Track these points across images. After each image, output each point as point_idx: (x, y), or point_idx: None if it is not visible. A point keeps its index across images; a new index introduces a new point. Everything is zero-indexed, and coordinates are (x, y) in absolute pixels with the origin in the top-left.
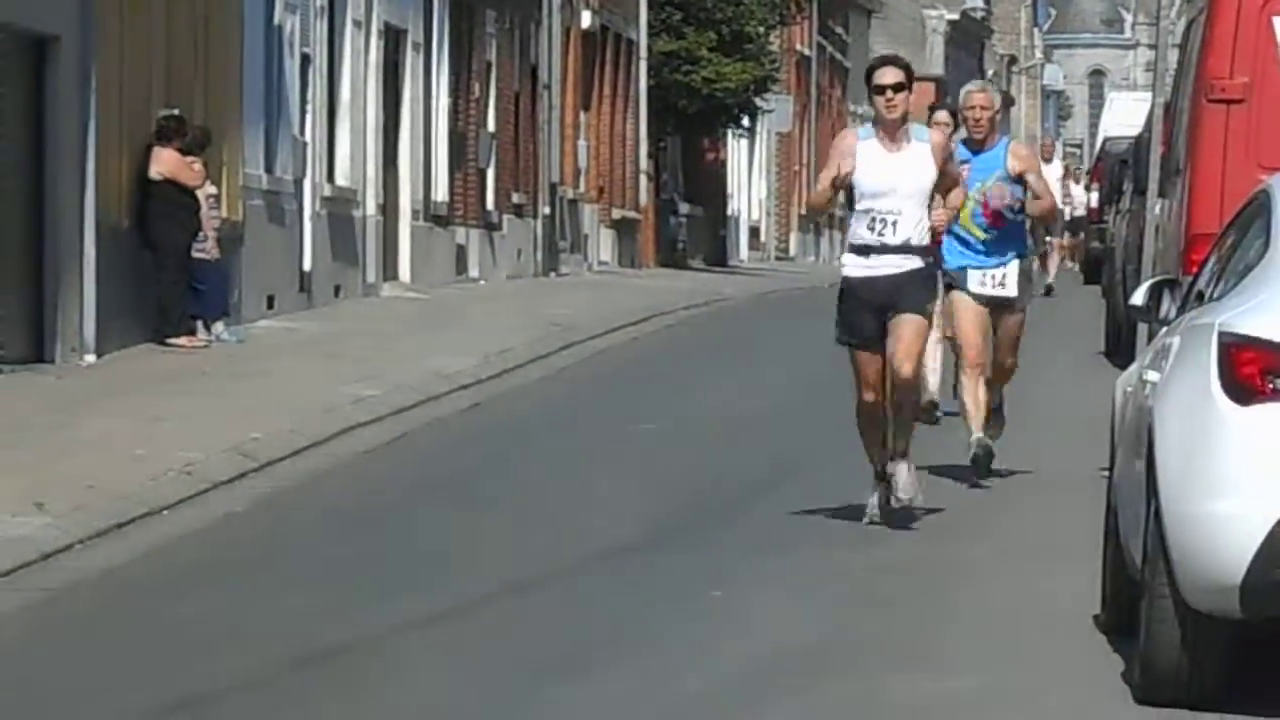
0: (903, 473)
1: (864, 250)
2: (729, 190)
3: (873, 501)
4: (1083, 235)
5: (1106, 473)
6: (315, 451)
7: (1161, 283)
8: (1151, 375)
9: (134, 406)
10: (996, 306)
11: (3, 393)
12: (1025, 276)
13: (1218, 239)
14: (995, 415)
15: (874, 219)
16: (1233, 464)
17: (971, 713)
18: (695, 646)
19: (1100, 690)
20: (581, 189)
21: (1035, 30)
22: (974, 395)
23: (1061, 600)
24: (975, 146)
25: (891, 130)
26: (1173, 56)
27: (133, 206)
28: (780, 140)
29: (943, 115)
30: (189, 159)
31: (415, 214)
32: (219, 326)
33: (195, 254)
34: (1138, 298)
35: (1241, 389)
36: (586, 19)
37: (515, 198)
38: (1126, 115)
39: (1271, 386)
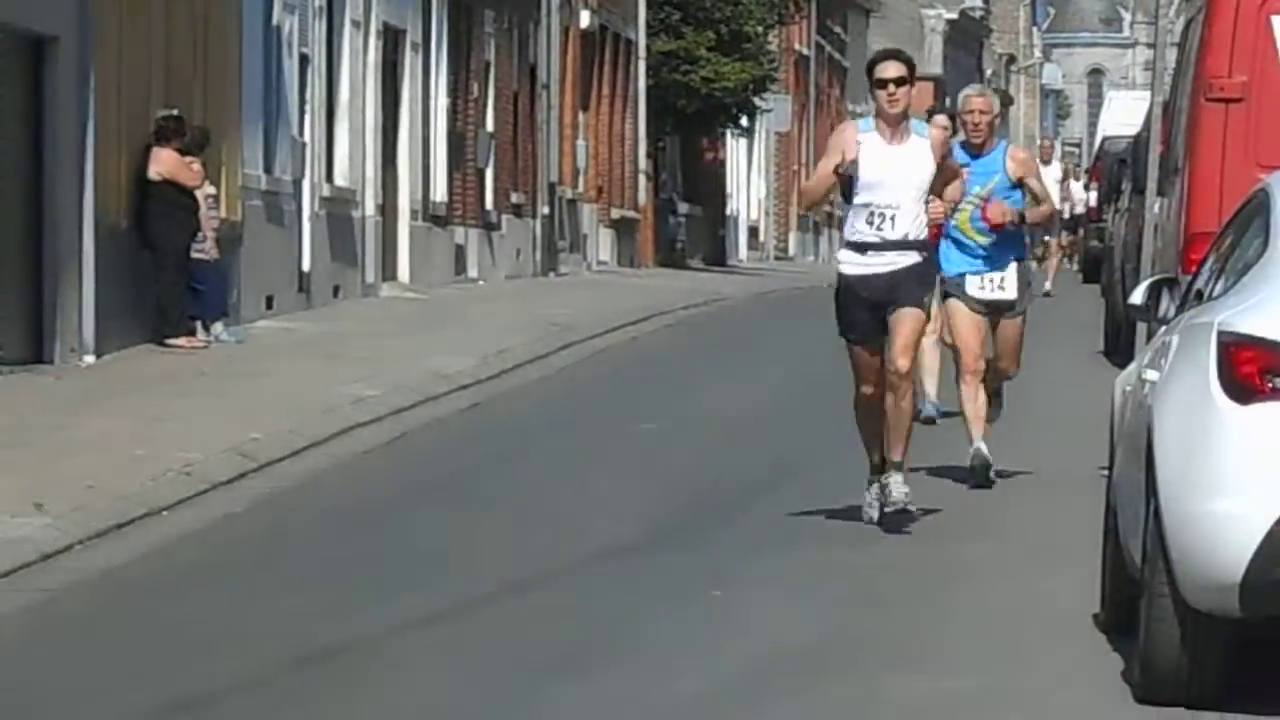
0: (896, 482)
1: (861, 247)
2: (728, 190)
3: (869, 498)
4: (1082, 233)
5: (1106, 472)
6: (314, 452)
7: (1160, 281)
8: (1151, 374)
9: (133, 407)
10: (995, 311)
11: (2, 393)
12: (1025, 280)
13: (1216, 238)
14: (994, 398)
15: (872, 213)
16: (1232, 463)
17: (971, 712)
18: (695, 646)
19: (1100, 689)
20: (580, 189)
21: (1034, 29)
22: (973, 403)
23: (1061, 600)
24: (974, 151)
25: (892, 124)
26: (1171, 55)
27: (132, 207)
28: (779, 140)
29: (941, 119)
30: (188, 159)
31: (414, 214)
32: (218, 327)
33: (194, 254)
34: (1137, 297)
35: (1241, 388)
36: (585, 19)
37: (514, 198)
38: (1125, 114)
39: (1271, 385)
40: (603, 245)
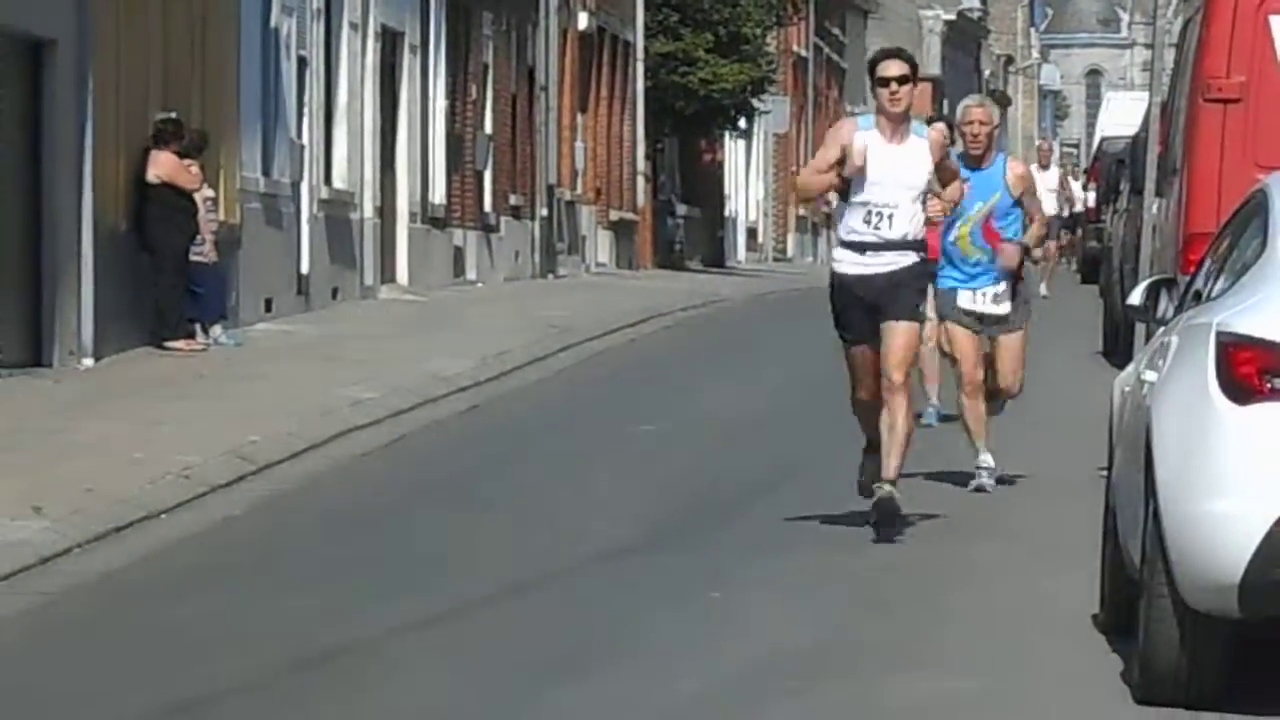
0: (883, 489)
1: (859, 247)
2: (726, 191)
3: (863, 473)
4: (1080, 234)
5: (1105, 473)
6: (313, 454)
7: (1159, 282)
8: (1149, 375)
9: (132, 410)
10: (994, 325)
11: (1, 396)
12: (1022, 297)
13: (1215, 238)
14: (1000, 392)
15: (870, 212)
16: (1231, 463)
17: (970, 713)
18: (694, 648)
19: (1099, 690)
20: (579, 190)
21: (1032, 30)
22: (975, 414)
23: (1060, 600)
24: (973, 163)
25: (894, 123)
26: (1170, 56)
27: (130, 210)
28: (777, 141)
29: (940, 127)
30: (186, 162)
31: (413, 216)
32: (217, 329)
33: (193, 257)
34: (1135, 297)
35: (1239, 388)
36: (583, 21)
37: (513, 199)
38: (1123, 115)
39: (1269, 386)
40: (601, 247)
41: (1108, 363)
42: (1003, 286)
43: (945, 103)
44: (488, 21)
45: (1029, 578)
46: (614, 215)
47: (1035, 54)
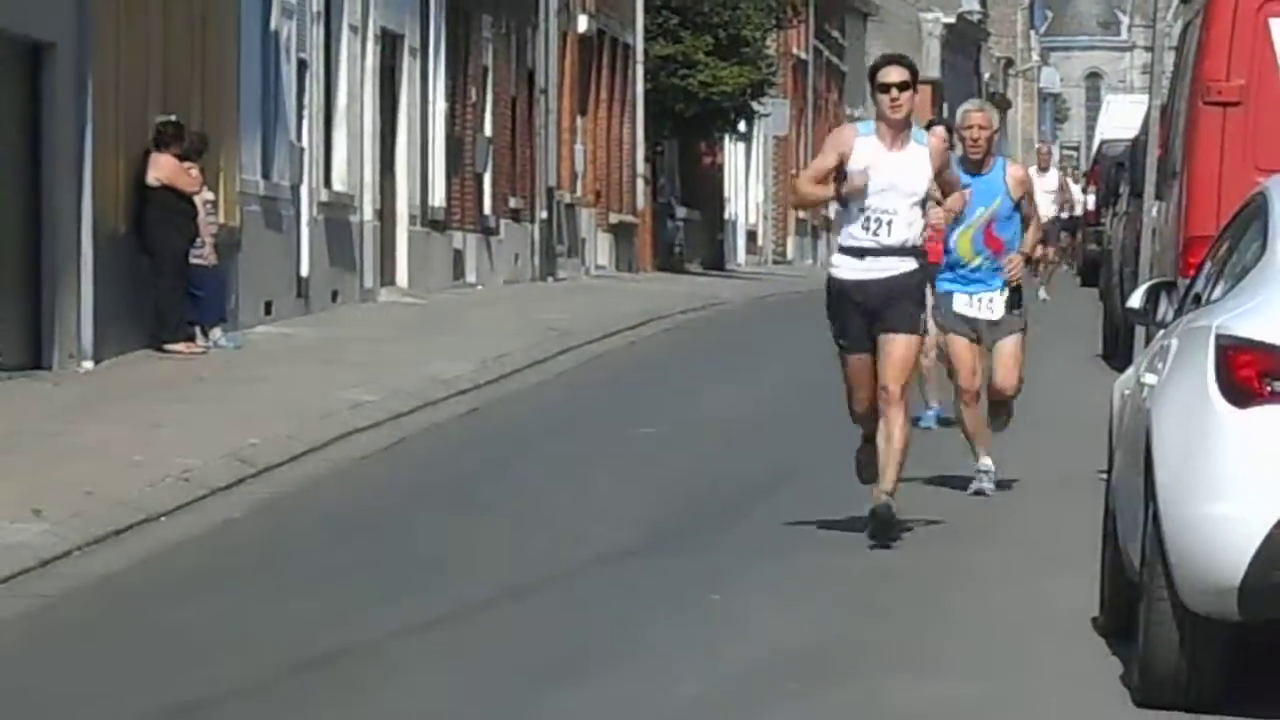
0: (880, 499)
1: (859, 253)
2: (726, 194)
3: (861, 468)
4: (1080, 237)
5: (1105, 476)
6: (313, 457)
7: (1159, 285)
8: (1149, 378)
9: (132, 413)
10: (990, 328)
11: (0, 399)
12: (1018, 300)
13: (1215, 241)
14: (1002, 407)
15: (869, 218)
16: (1230, 466)
17: (970, 716)
18: (693, 651)
19: (1099, 693)
20: (579, 193)
21: (1031, 33)
22: (973, 421)
23: (1060, 603)
24: (973, 168)
25: (894, 129)
26: (1169, 59)
27: (130, 212)
28: (777, 144)
29: (939, 131)
30: (186, 165)
31: (412, 219)
32: (216, 332)
33: (193, 260)
34: (1135, 300)
35: (1239, 391)
36: (583, 23)
37: (512, 202)
38: (1123, 118)
39: (1269, 389)
40: (601, 250)
41: (1107, 366)
42: (1002, 293)
43: (945, 105)
44: (487, 24)
45: (1029, 581)
46: (614, 218)
47: (1035, 57)
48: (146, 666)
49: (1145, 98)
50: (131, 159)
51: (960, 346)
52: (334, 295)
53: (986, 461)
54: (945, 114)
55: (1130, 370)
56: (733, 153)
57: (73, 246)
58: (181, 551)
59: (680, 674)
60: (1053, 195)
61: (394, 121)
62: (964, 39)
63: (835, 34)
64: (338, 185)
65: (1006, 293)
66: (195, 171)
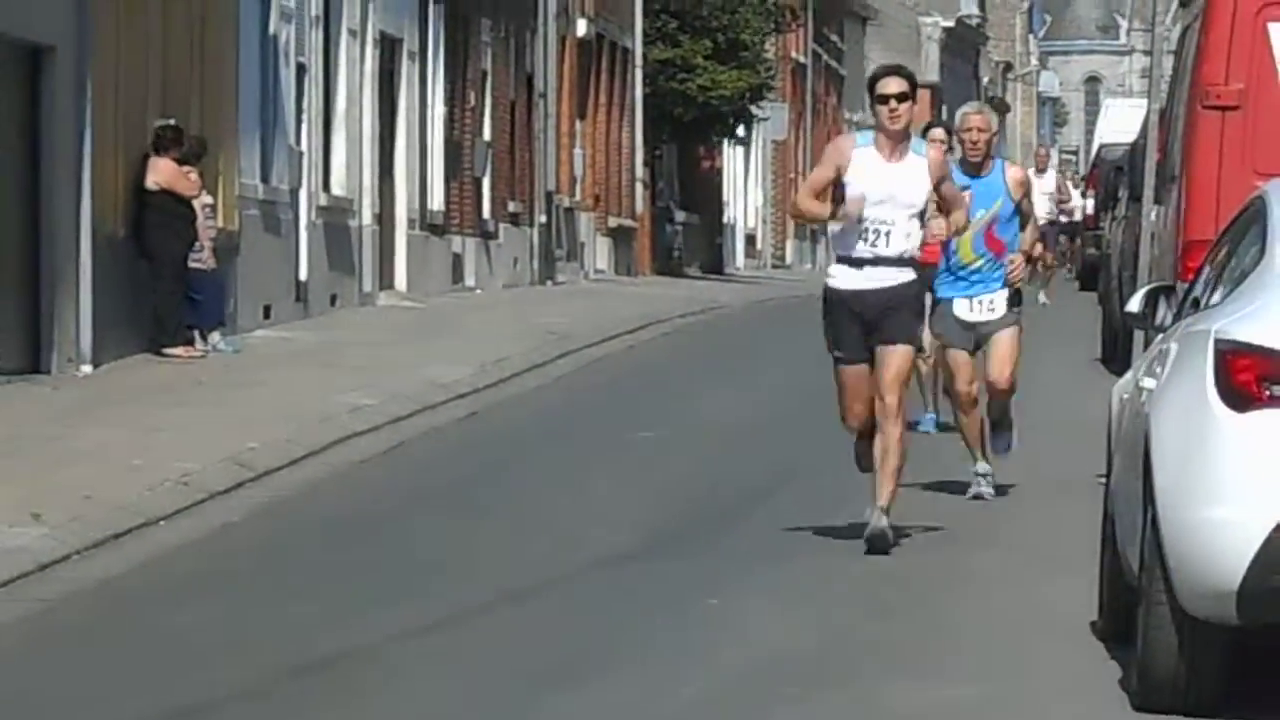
0: (877, 517)
1: (857, 263)
2: (725, 198)
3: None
4: (1079, 241)
5: (1103, 480)
6: (312, 461)
7: (1157, 289)
8: (1148, 382)
9: (130, 417)
10: (988, 326)
11: None
12: (1018, 296)
13: (1213, 245)
14: (999, 427)
15: (867, 229)
16: (1229, 470)
17: None
18: (693, 654)
19: (1098, 697)
20: (577, 197)
21: (1030, 37)
22: (972, 426)
23: (1059, 607)
24: (972, 170)
25: (893, 140)
26: (1168, 63)
27: (129, 216)
28: (776, 148)
29: (938, 133)
30: (185, 169)
31: (411, 223)
32: (215, 336)
33: (191, 264)
34: (1134, 304)
35: (1238, 395)
36: (582, 27)
37: (511, 206)
38: (1122, 122)
39: (1268, 393)
40: (600, 254)
41: (1106, 370)
42: (1002, 293)
43: (944, 110)
44: (486, 28)
45: (1027, 584)
46: (613, 222)
47: (1034, 61)
48: (145, 671)
49: (1144, 102)
50: (130, 163)
51: (959, 358)
52: (333, 299)
53: (984, 465)
54: (945, 118)
55: (1129, 374)
56: (731, 157)
57: (71, 250)
58: (180, 556)
59: (680, 677)
60: (1049, 196)
61: (393, 125)
62: (963, 43)
63: (834, 38)
64: (336, 189)
65: (1007, 292)
66: (194, 175)
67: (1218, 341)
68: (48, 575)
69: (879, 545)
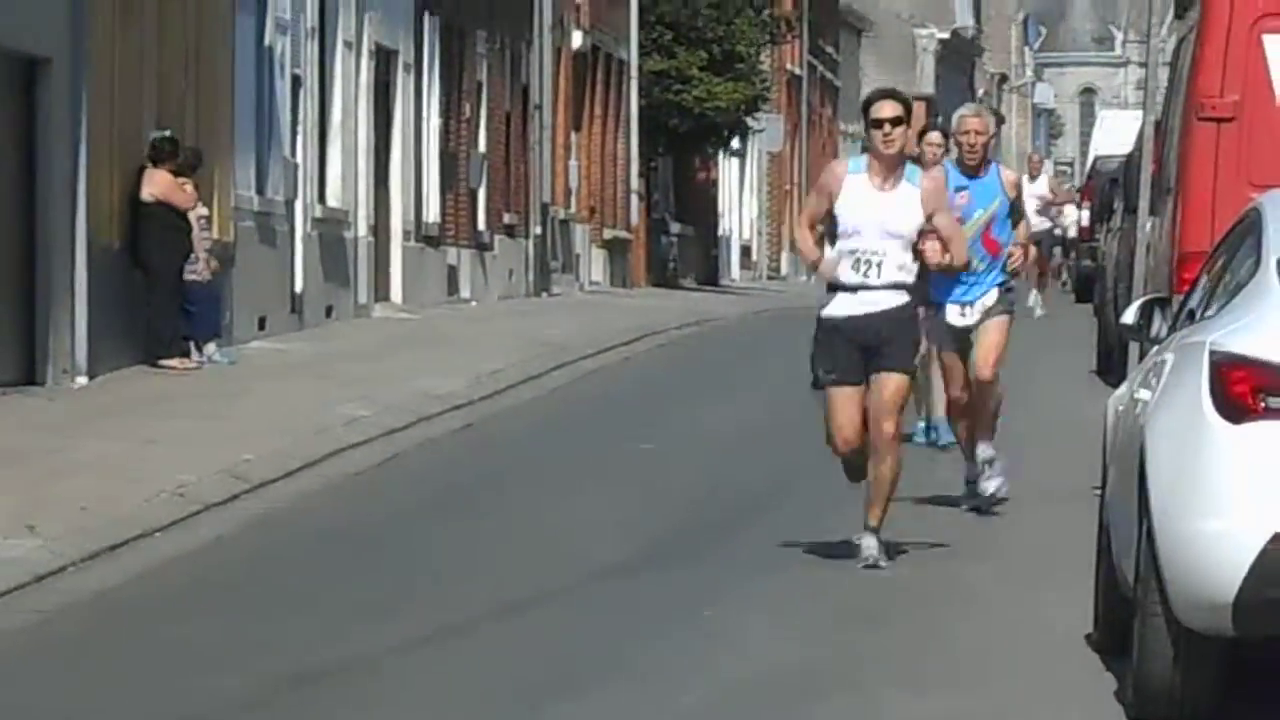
0: (868, 544)
1: (850, 288)
2: (720, 210)
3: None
4: (1074, 253)
5: (1099, 491)
6: (307, 473)
7: (1153, 301)
8: (1143, 394)
9: (126, 428)
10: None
11: None
12: (1007, 288)
13: (1209, 257)
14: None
15: (858, 259)
16: (1225, 482)
17: None
18: (689, 665)
19: (1094, 709)
20: (573, 209)
21: (1026, 49)
22: (965, 428)
23: (1055, 619)
24: (970, 172)
25: (887, 166)
26: (1163, 74)
27: (124, 228)
28: (771, 160)
29: (935, 136)
30: (181, 181)
31: (406, 234)
32: (210, 348)
33: (187, 275)
34: (1129, 316)
35: (1233, 407)
36: (577, 39)
37: (507, 218)
38: (1117, 133)
39: (1263, 405)
40: (595, 265)
41: (1102, 381)
42: (993, 292)
43: (940, 122)
44: (482, 40)
45: (1024, 596)
46: (608, 233)
47: (1029, 73)
48: (142, 682)
49: (1139, 113)
50: (126, 174)
51: (953, 367)
52: (328, 311)
53: (985, 450)
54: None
55: (1124, 386)
56: (727, 168)
57: (67, 262)
58: (177, 567)
59: (677, 688)
60: (1038, 200)
61: (388, 137)
62: (958, 55)
63: (829, 50)
64: (332, 201)
65: (997, 294)
66: (190, 187)
67: (1213, 353)
68: (44, 587)
69: (870, 565)
